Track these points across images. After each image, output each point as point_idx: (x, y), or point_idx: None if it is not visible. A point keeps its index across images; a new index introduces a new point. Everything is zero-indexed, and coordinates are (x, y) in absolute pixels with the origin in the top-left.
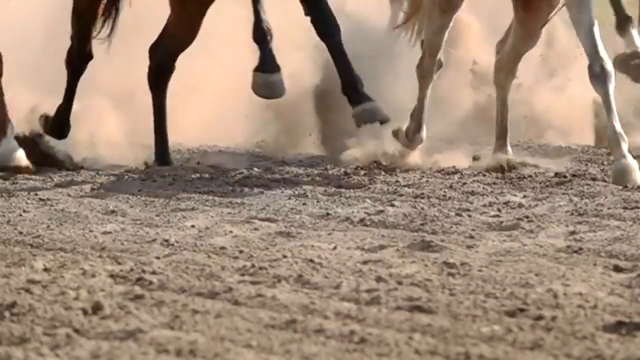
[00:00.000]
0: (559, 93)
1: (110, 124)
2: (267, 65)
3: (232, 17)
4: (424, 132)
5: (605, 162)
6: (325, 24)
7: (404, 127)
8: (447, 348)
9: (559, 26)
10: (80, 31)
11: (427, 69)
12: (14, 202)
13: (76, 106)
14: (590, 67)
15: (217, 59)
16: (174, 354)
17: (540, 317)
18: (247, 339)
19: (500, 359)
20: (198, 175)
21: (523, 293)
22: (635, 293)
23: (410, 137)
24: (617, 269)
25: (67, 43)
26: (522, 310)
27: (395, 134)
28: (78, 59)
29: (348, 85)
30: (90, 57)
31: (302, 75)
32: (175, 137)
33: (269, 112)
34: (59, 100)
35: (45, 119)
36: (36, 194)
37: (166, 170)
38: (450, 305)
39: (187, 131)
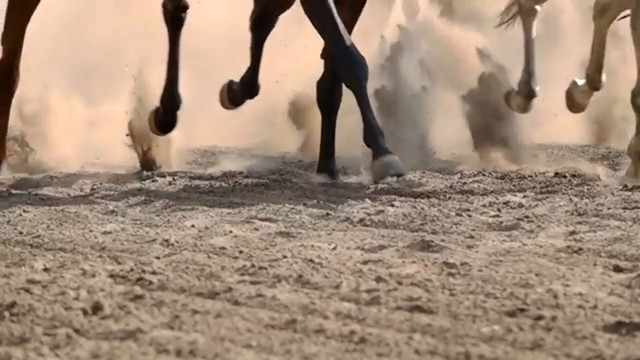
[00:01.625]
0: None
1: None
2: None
3: (233, 18)
4: (534, 83)
5: (605, 162)
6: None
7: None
8: (447, 348)
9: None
10: None
11: (528, 8)
12: (14, 202)
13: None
14: (634, 96)
15: (216, 59)
16: (174, 354)
17: (540, 317)
18: (247, 339)
19: (500, 359)
20: (198, 175)
21: (523, 293)
22: (635, 293)
23: (521, 91)
24: (617, 269)
25: (82, 39)
26: (522, 310)
27: (507, 97)
28: (173, 9)
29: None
30: (185, 7)
31: (303, 77)
32: (177, 139)
33: (270, 113)
34: (65, 99)
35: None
36: (36, 194)
37: (166, 171)
38: (450, 305)
39: (187, 132)
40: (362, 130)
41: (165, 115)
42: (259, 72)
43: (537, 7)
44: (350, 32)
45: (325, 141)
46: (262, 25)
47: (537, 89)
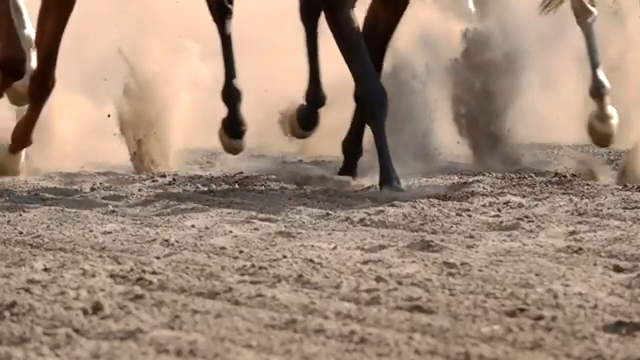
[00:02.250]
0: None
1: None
2: None
3: (240, 18)
4: (603, 79)
5: (605, 162)
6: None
7: None
8: (447, 348)
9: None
10: None
11: (580, 8)
12: (14, 202)
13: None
14: None
15: (214, 59)
16: (174, 354)
17: (540, 317)
18: (247, 339)
19: (500, 359)
20: (198, 175)
21: (523, 293)
22: (635, 293)
23: (591, 92)
24: (617, 269)
25: (84, 39)
26: (522, 310)
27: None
28: (217, 11)
29: None
30: (229, 11)
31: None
32: (175, 138)
33: (270, 113)
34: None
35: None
36: (36, 194)
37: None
38: (450, 305)
39: (186, 132)
40: (379, 172)
41: (230, 117)
42: (320, 75)
43: (592, 9)
44: (390, 37)
45: (352, 137)
46: (311, 10)
47: (608, 85)
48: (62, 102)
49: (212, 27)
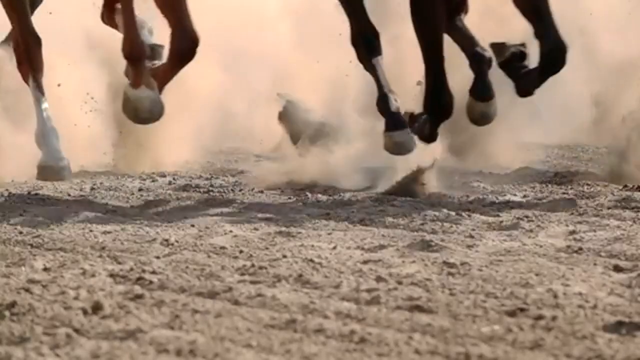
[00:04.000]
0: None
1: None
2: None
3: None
4: None
5: (605, 162)
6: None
7: None
8: (447, 348)
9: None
10: (356, 6)
11: None
12: (14, 202)
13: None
14: None
15: (215, 61)
16: (174, 354)
17: (540, 317)
18: (247, 339)
19: (500, 359)
20: (198, 175)
21: (523, 293)
22: (635, 293)
23: None
24: (617, 269)
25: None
26: (522, 310)
27: None
28: (363, 37)
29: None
30: (377, 49)
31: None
32: (175, 138)
33: (269, 113)
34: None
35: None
36: (36, 194)
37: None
38: (450, 305)
39: (186, 132)
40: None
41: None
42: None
43: None
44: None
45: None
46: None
47: None
48: (63, 101)
49: (232, 38)
